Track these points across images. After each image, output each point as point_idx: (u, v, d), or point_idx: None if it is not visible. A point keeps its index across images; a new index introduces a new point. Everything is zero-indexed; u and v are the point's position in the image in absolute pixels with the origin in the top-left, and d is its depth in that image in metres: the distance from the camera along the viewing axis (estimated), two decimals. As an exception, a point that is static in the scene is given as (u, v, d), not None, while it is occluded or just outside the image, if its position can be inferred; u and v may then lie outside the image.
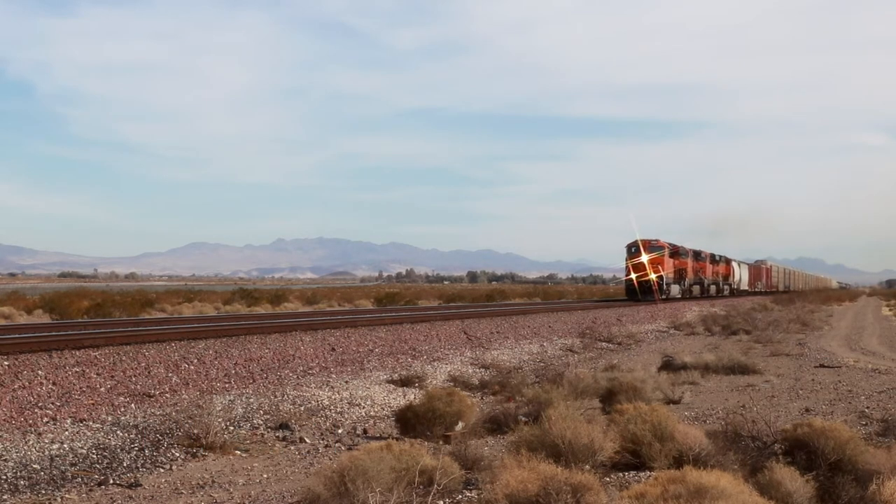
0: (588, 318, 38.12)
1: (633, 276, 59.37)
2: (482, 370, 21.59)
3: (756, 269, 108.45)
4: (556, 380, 16.59)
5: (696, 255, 72.96)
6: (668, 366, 21.70)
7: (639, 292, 58.58)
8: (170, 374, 15.61)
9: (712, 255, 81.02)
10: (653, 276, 58.90)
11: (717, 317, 46.63)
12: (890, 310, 68.26)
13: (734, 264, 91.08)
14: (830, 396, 17.58)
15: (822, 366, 23.63)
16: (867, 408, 15.80)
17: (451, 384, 18.17)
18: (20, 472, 10.48)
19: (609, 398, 15.16)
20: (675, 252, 64.50)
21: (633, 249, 60.42)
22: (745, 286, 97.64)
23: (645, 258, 59.19)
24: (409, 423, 13.23)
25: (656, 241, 60.76)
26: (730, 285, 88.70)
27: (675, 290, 64.03)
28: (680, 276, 65.70)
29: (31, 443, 11.31)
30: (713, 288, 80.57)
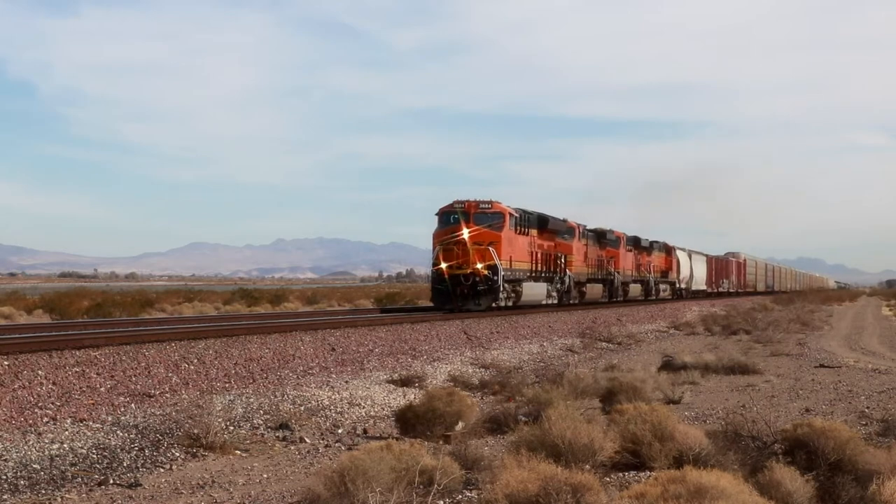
0: (588, 318, 38.12)
1: (442, 265, 32.74)
2: (482, 370, 21.60)
3: (721, 264, 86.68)
4: (556, 380, 16.59)
5: (599, 236, 48.64)
6: (668, 366, 21.70)
7: (453, 294, 32.67)
8: (170, 374, 15.61)
9: (634, 239, 55.89)
10: (479, 266, 32.50)
11: (717, 317, 46.65)
12: (890, 310, 68.25)
13: (679, 254, 67.09)
14: (830, 396, 17.58)
15: (822, 366, 23.63)
16: (867, 408, 15.80)
17: (451, 384, 18.17)
18: (20, 471, 10.48)
19: (609, 398, 15.16)
20: (539, 225, 38.97)
21: (450, 219, 33.81)
22: (700, 285, 75.18)
23: (465, 234, 32.94)
24: (409, 423, 13.23)
25: (489, 204, 34.09)
26: (671, 284, 64.91)
27: (538, 290, 38.25)
28: (551, 267, 40.16)
29: (31, 443, 11.31)
30: (636, 287, 55.63)
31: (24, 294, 52.50)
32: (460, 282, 32.63)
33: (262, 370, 17.31)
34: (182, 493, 10.17)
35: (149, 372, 15.41)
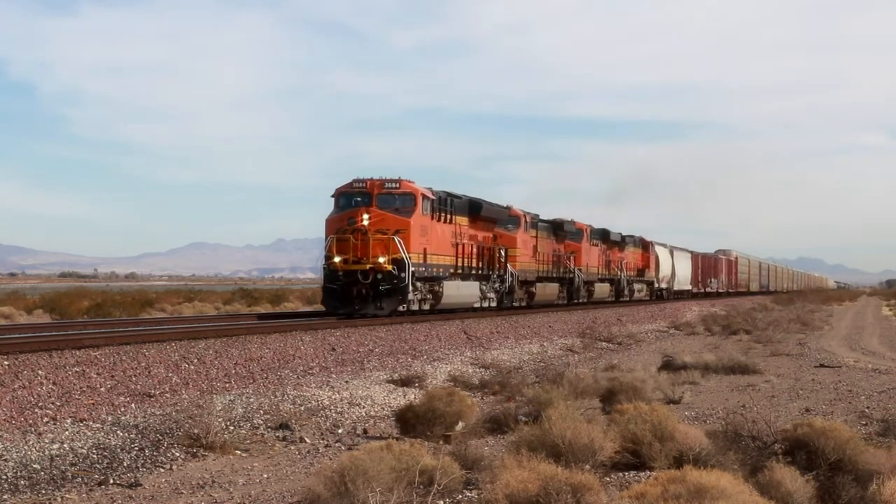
0: (588, 318, 38.16)
1: (336, 259, 26.61)
2: (482, 370, 21.61)
3: (708, 262, 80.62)
4: (556, 380, 16.60)
5: (555, 227, 42.63)
6: (668, 366, 21.71)
7: (348, 295, 26.57)
8: (170, 374, 15.61)
9: (602, 232, 49.70)
10: (381, 261, 26.41)
11: (717, 317, 46.68)
12: (890, 310, 68.29)
13: (658, 250, 61.36)
14: (830, 396, 17.59)
15: (822, 366, 23.65)
16: (867, 408, 15.81)
17: (452, 384, 18.18)
18: (20, 471, 10.48)
19: (609, 398, 15.17)
20: (471, 212, 32.48)
21: (349, 201, 27.88)
22: (684, 285, 69.70)
23: (365, 220, 26.82)
24: (410, 423, 13.23)
25: (397, 183, 27.91)
26: (648, 283, 59.34)
27: (466, 291, 31.79)
28: (486, 262, 33.47)
29: (31, 443, 11.31)
30: (603, 287, 49.38)
31: (24, 294, 52.48)
32: (358, 280, 26.58)
33: (262, 370, 17.32)
34: (182, 493, 10.17)
35: (149, 372, 15.41)
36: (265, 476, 10.97)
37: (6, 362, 14.04)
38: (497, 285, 34.90)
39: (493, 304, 34.71)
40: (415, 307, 28.22)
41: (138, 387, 14.55)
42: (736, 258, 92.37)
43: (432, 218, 28.89)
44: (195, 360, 16.74)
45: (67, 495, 9.98)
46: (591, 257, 47.04)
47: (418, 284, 27.97)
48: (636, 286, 56.42)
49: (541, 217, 41.02)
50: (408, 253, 26.75)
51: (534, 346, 27.75)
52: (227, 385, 15.86)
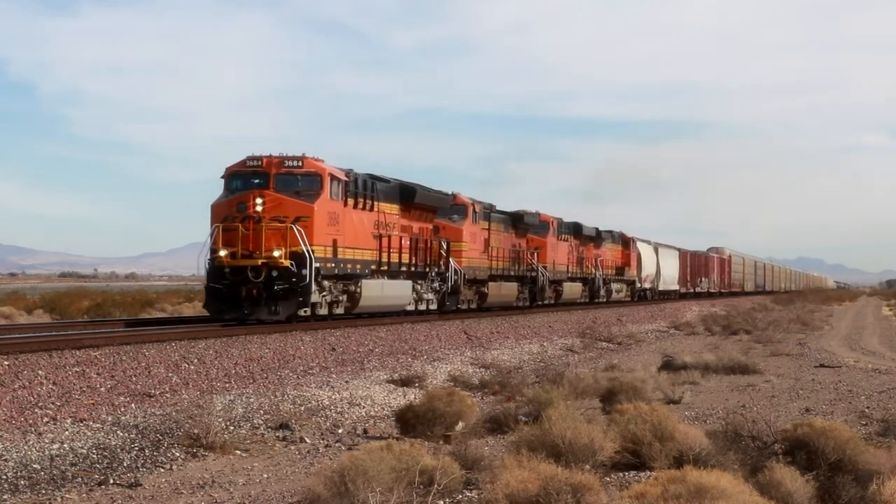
0: (588, 318, 38.16)
1: (222, 252, 22.04)
2: (482, 370, 21.61)
3: (698, 260, 75.44)
4: (557, 380, 16.61)
5: (515, 219, 38.01)
6: (669, 366, 21.71)
7: (233, 297, 21.94)
8: (170, 374, 15.62)
9: (573, 227, 45.33)
10: (276, 255, 21.79)
11: (717, 317, 46.69)
12: (890, 310, 68.26)
13: (641, 247, 57.15)
14: (831, 396, 17.60)
15: (822, 366, 23.65)
16: (867, 408, 15.81)
17: (452, 384, 18.18)
18: (20, 471, 10.48)
19: (609, 398, 15.18)
20: (403, 198, 27.75)
21: (240, 183, 23.23)
22: (670, 285, 65.15)
23: (258, 205, 22.17)
24: (410, 423, 13.24)
25: (299, 161, 23.17)
26: (629, 283, 55.00)
27: (395, 291, 27.16)
28: (422, 258, 28.76)
29: (31, 443, 11.31)
30: (574, 287, 44.79)
31: (24, 294, 52.46)
32: (248, 278, 21.78)
33: (262, 370, 17.32)
34: (182, 493, 10.17)
35: (149, 372, 15.41)
36: (265, 476, 10.97)
37: (6, 362, 14.04)
38: (437, 284, 29.96)
39: (433, 306, 29.97)
40: (322, 311, 23.41)
41: (138, 387, 14.55)
42: (729, 256, 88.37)
43: (346, 204, 24.15)
44: (195, 360, 16.74)
45: (67, 495, 9.98)
46: (558, 254, 42.49)
47: (326, 283, 23.33)
48: (615, 286, 51.94)
49: (497, 207, 36.65)
50: (311, 245, 22.13)
51: (534, 346, 27.76)
52: (227, 385, 15.86)
